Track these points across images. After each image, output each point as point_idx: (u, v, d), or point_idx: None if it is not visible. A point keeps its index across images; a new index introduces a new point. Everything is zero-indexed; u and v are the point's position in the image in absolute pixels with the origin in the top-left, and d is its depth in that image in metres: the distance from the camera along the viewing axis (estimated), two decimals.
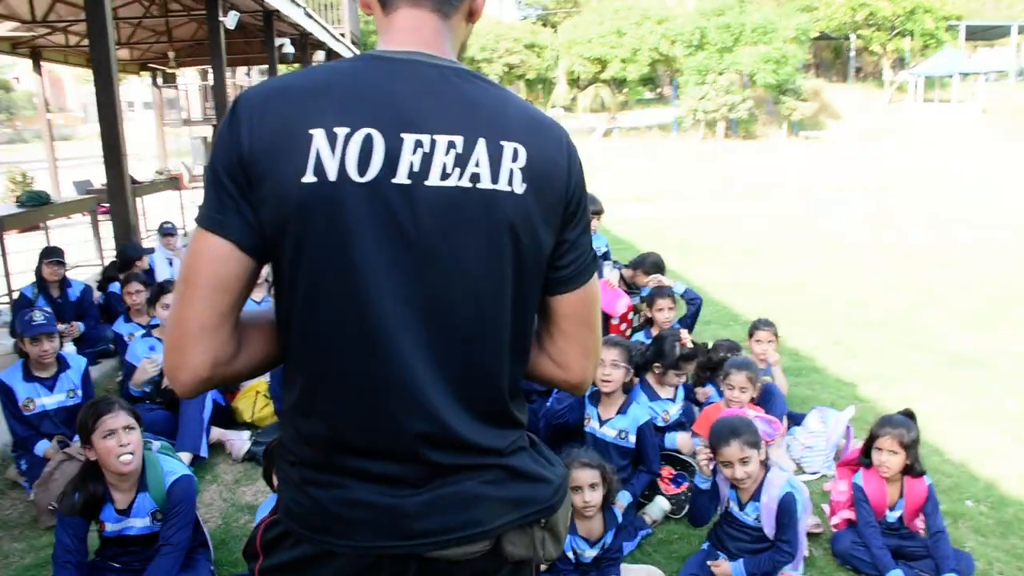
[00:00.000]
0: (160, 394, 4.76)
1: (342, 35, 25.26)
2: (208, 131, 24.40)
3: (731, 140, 30.69)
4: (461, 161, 1.22)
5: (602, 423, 3.79)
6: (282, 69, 25.77)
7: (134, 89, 33.03)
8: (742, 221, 13.12)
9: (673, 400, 4.13)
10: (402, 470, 1.28)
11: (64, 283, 6.65)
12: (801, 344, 6.34)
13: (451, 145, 1.22)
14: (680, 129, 32.69)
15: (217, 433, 4.62)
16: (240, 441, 4.57)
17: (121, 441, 2.97)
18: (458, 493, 1.30)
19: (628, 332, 5.28)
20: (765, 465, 3.11)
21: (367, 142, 1.19)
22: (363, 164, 1.19)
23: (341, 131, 1.19)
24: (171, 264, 7.95)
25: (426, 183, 1.21)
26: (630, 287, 5.75)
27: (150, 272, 7.68)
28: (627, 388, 3.84)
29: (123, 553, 3.20)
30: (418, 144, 1.21)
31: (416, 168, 1.21)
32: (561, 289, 1.37)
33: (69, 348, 6.02)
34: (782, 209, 14.30)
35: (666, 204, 15.54)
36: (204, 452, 4.45)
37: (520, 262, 1.29)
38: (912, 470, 3.28)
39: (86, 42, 15.57)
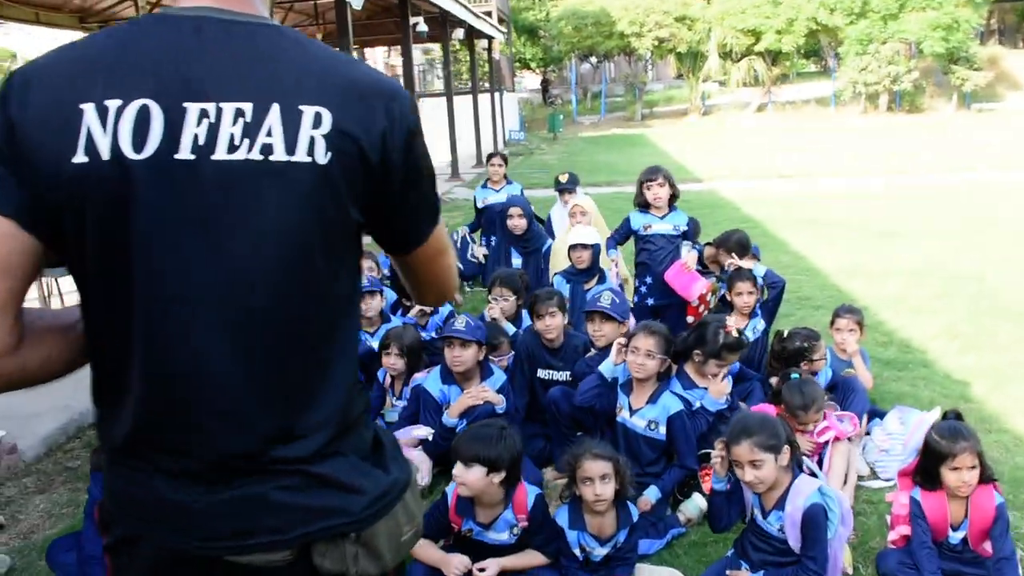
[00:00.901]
0: None
1: (487, 13, 25.46)
2: None
3: (894, 114, 28.71)
4: (250, 131, 1.10)
5: (632, 412, 3.56)
6: (418, 49, 26.31)
7: None
8: (885, 199, 12.18)
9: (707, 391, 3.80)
10: (194, 467, 1.19)
11: None
12: (915, 334, 5.77)
13: (239, 113, 1.10)
14: (838, 103, 30.92)
15: None
16: None
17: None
18: (253, 497, 1.19)
19: (704, 313, 4.97)
20: (791, 470, 2.80)
21: (143, 114, 1.09)
22: (139, 140, 1.09)
23: (113, 104, 1.09)
24: None
25: (212, 157, 1.09)
26: (706, 268, 5.39)
27: None
28: (662, 376, 3.59)
29: None
30: (203, 114, 1.10)
31: (201, 141, 1.09)
32: (399, 251, 1.33)
33: None
34: (932, 187, 13.17)
35: (808, 180, 14.68)
36: None
37: (328, 239, 1.16)
38: (984, 477, 2.86)
39: None
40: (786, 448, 2.74)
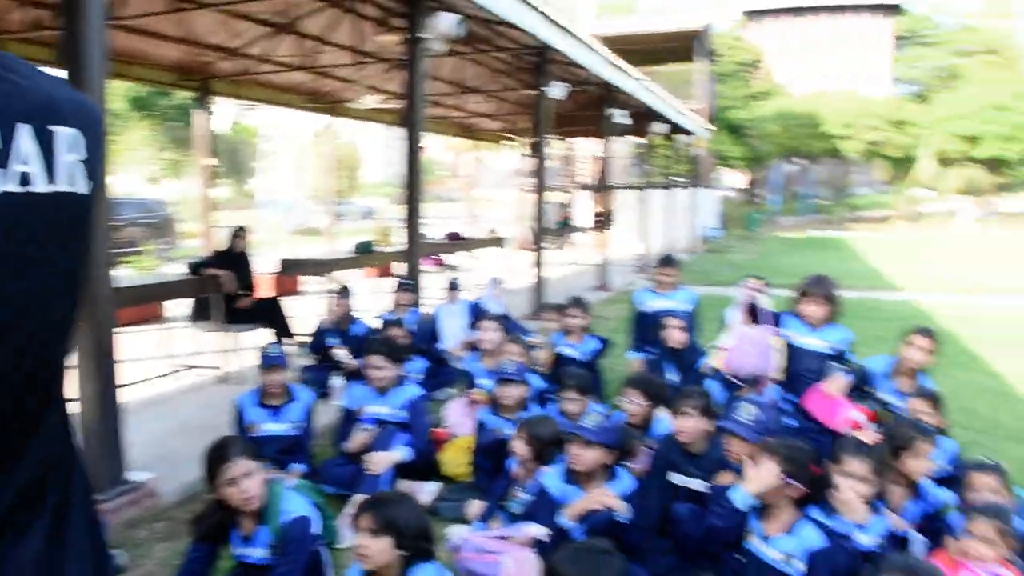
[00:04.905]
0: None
1: (694, 110, 25.41)
2: (562, 197, 25.74)
3: None
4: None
5: (765, 541, 3.16)
6: (624, 141, 26.57)
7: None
8: None
9: (864, 527, 3.31)
10: None
11: (350, 319, 7.21)
12: None
13: None
14: None
15: (404, 485, 4.60)
16: (422, 494, 4.52)
17: (243, 487, 3.13)
18: None
19: None
20: None
21: None
22: None
23: None
24: (454, 316, 8.28)
25: None
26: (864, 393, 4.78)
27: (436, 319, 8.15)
28: (801, 503, 3.17)
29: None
30: None
31: None
32: None
33: (338, 382, 6.52)
34: None
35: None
36: None
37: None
38: None
39: (454, 114, 17.47)
40: None
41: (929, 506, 3.74)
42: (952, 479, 4.11)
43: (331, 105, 14.57)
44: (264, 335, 7.86)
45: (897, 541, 3.50)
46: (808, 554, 3.06)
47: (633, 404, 4.49)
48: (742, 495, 3.18)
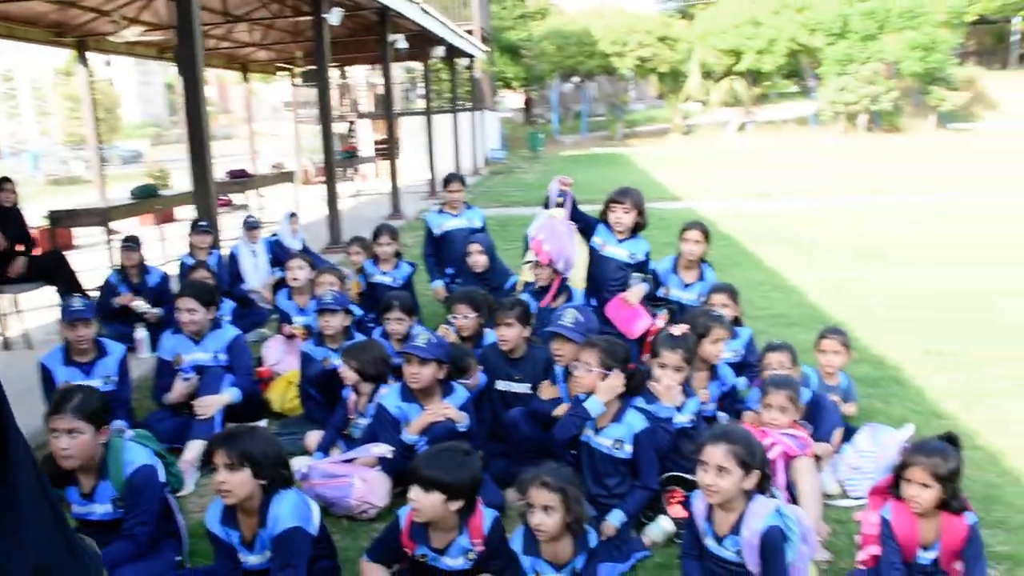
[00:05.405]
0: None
1: (469, 31, 25.48)
2: (341, 127, 25.11)
3: (873, 134, 28.94)
4: None
5: (597, 432, 3.45)
6: (400, 67, 26.27)
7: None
8: (862, 219, 12.20)
9: (680, 409, 3.70)
10: None
11: (143, 269, 6.82)
12: (888, 351, 5.70)
13: None
14: (819, 123, 31.13)
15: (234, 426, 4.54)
16: None
17: (62, 444, 2.97)
18: None
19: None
20: (749, 495, 2.69)
21: None
22: None
23: None
24: (254, 255, 8.07)
25: None
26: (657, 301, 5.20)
27: (234, 260, 7.88)
28: (627, 394, 3.48)
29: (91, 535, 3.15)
30: None
31: None
32: None
33: (141, 334, 6.21)
34: (909, 207, 13.23)
35: (786, 200, 14.71)
36: None
37: None
38: (949, 506, 2.77)
39: (223, 45, 16.44)
40: (757, 474, 2.64)
41: (726, 387, 4.19)
42: (747, 363, 4.62)
43: (82, 39, 13.30)
44: (49, 293, 7.30)
45: (705, 419, 3.91)
46: (632, 436, 3.38)
47: (463, 318, 4.64)
48: (595, 405, 3.42)
